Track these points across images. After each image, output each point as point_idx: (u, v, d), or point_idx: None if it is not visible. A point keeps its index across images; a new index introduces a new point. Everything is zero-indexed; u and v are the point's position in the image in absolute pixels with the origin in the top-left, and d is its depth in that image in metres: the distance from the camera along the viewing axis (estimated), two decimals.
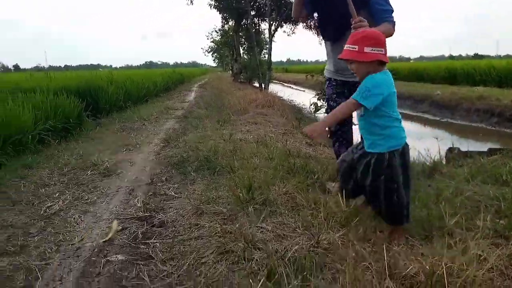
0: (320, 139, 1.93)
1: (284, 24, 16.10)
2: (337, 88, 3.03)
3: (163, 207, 2.73)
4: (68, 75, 11.30)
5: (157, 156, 4.32)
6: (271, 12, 13.81)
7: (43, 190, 3.18)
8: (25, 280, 1.83)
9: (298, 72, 48.83)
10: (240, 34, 19.41)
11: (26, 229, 2.43)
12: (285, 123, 6.73)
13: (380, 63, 2.00)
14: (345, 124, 3.03)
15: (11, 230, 2.42)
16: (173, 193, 3.00)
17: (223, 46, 31.50)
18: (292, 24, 17.07)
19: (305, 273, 1.53)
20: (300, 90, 26.49)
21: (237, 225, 2.29)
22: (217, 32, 28.43)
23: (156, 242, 2.17)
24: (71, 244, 2.21)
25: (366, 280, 1.55)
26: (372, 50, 1.95)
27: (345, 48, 2.04)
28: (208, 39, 45.13)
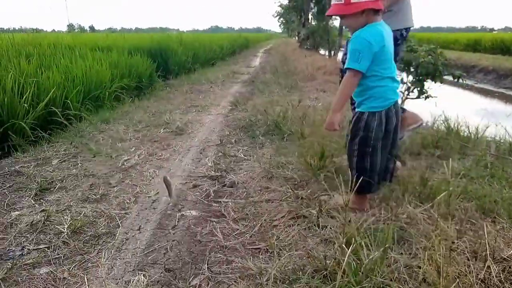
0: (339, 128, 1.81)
1: None
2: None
3: (233, 168, 2.74)
4: (140, 36, 11.67)
5: (226, 118, 4.35)
6: None
7: (119, 144, 3.33)
8: (106, 226, 1.94)
9: None
10: None
11: (106, 179, 2.56)
12: None
13: (374, 12, 1.74)
14: None
15: (93, 180, 2.56)
16: (242, 155, 3.00)
17: (290, 11, 30.69)
18: None
19: (386, 245, 1.44)
20: None
21: (308, 191, 2.24)
22: None
23: (228, 201, 2.19)
24: (148, 197, 2.29)
25: (460, 259, 1.43)
26: None
27: (332, 2, 1.78)
28: (275, 3, 44.26)
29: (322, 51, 17.45)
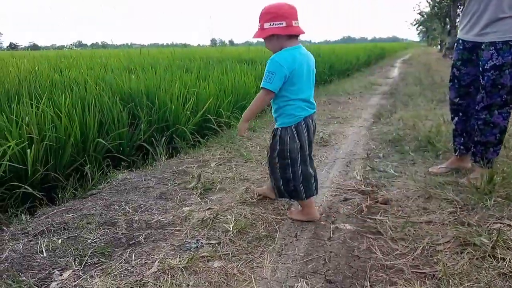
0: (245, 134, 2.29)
1: None
2: (463, 53, 2.45)
3: (385, 184, 2.64)
4: None
5: (369, 131, 4.23)
6: None
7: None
8: (266, 230, 2.04)
9: None
10: (459, 2, 17.09)
11: (259, 184, 2.71)
12: None
13: (288, 37, 1.89)
14: (466, 95, 2.58)
15: (247, 184, 2.74)
16: (392, 171, 2.87)
17: (433, 18, 28.60)
18: None
19: None
20: None
21: (476, 217, 2.03)
22: (429, 3, 25.94)
23: (384, 219, 2.11)
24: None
25: None
26: (270, 25, 1.87)
27: None
28: (414, 10, 41.74)
29: None
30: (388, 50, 25.58)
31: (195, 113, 4.32)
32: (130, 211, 2.27)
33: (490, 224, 1.94)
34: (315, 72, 2.09)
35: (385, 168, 2.96)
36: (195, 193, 2.55)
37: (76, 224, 2.11)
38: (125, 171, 3.10)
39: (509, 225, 1.95)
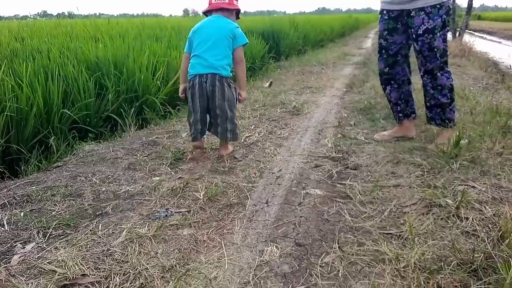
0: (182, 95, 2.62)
1: None
2: (389, 23, 2.53)
3: (355, 150, 2.66)
4: (251, 19, 11.90)
5: (342, 100, 4.24)
6: None
7: (240, 121, 3.46)
8: (237, 197, 2.03)
9: (495, 20, 41.43)
10: None
11: (232, 154, 2.68)
12: (485, 77, 5.78)
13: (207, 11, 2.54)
14: (394, 64, 2.63)
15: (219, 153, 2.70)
16: (363, 138, 2.90)
17: None
18: None
19: None
20: (494, 41, 22.53)
21: (442, 180, 2.08)
22: None
23: (353, 184, 2.13)
24: (272, 173, 2.35)
25: None
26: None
27: None
28: None
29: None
30: (362, 21, 25.55)
31: (166, 83, 4.21)
32: (97, 182, 2.21)
33: (455, 186, 1.99)
34: (225, 37, 2.41)
35: (356, 135, 2.98)
36: (165, 163, 2.50)
37: (39, 197, 2.04)
38: (92, 142, 3.01)
39: (473, 186, 2.01)
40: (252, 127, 3.30)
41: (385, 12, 2.60)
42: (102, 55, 4.00)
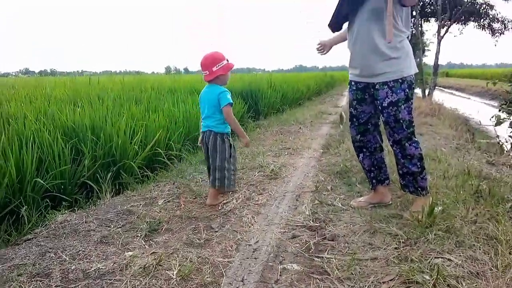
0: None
1: (453, 25, 14.54)
2: (357, 93, 2.68)
3: (332, 218, 2.66)
4: (232, 78, 12.22)
5: (319, 162, 4.30)
6: (442, 12, 12.58)
7: None
8: (211, 275, 1.97)
9: (462, 77, 43.93)
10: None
11: (208, 223, 2.65)
12: (456, 136, 6.02)
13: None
14: (365, 132, 2.73)
15: (196, 223, 2.66)
16: (340, 205, 2.92)
17: None
18: (462, 24, 15.29)
19: None
20: (464, 97, 23.77)
21: (418, 252, 2.08)
22: None
23: (331, 257, 2.11)
24: (248, 245, 2.31)
25: None
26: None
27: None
28: None
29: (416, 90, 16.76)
30: (338, 78, 26.64)
31: (144, 146, 4.21)
32: (67, 259, 2.12)
33: (431, 259, 1.99)
34: (213, 101, 2.89)
35: (333, 201, 3.00)
36: (139, 235, 2.44)
37: (5, 277, 1.94)
38: (66, 211, 2.92)
39: (449, 259, 2.02)
40: (230, 192, 3.29)
41: (353, 83, 2.73)
42: (79, 119, 4.01)
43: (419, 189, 2.63)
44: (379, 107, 2.58)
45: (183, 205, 3.00)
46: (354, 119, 2.78)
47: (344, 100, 13.77)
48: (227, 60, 2.94)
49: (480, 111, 12.49)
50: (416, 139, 2.58)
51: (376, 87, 2.55)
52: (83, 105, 4.97)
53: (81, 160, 3.55)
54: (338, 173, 3.77)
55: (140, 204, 3.03)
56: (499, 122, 5.33)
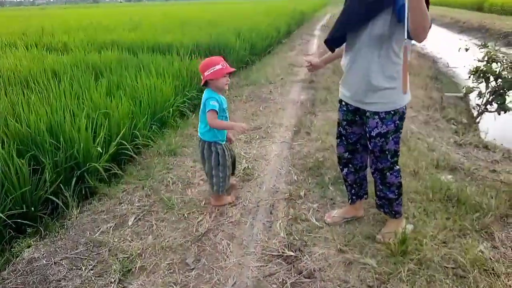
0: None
1: None
2: (348, 114, 2.56)
3: (307, 242, 2.68)
4: (198, 32, 11.33)
5: (291, 151, 4.24)
6: None
7: (190, 193, 3.38)
8: None
9: (438, 4, 43.50)
10: None
11: (183, 255, 2.61)
12: (425, 106, 6.04)
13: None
14: (354, 151, 2.68)
15: (170, 256, 2.62)
16: (314, 220, 2.93)
17: None
18: None
19: None
20: (433, 30, 23.60)
21: None
22: None
23: None
24: None
25: None
26: None
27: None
28: None
29: None
30: (307, 13, 25.68)
31: (109, 142, 3.99)
32: None
33: None
34: (203, 107, 2.88)
35: (307, 214, 3.00)
36: (112, 280, 2.38)
37: None
38: (32, 241, 2.80)
39: None
40: (203, 203, 3.23)
41: (343, 103, 2.57)
42: (35, 119, 3.68)
43: (393, 212, 2.64)
44: (367, 134, 2.46)
45: (155, 226, 2.94)
46: (343, 138, 2.66)
47: (314, 44, 13.41)
48: (223, 66, 2.81)
49: (449, 47, 12.37)
50: (398, 168, 2.52)
51: (367, 115, 2.40)
52: (37, 92, 4.59)
53: (41, 170, 3.33)
54: (310, 169, 3.74)
55: (110, 227, 2.94)
56: (468, 91, 5.36)
